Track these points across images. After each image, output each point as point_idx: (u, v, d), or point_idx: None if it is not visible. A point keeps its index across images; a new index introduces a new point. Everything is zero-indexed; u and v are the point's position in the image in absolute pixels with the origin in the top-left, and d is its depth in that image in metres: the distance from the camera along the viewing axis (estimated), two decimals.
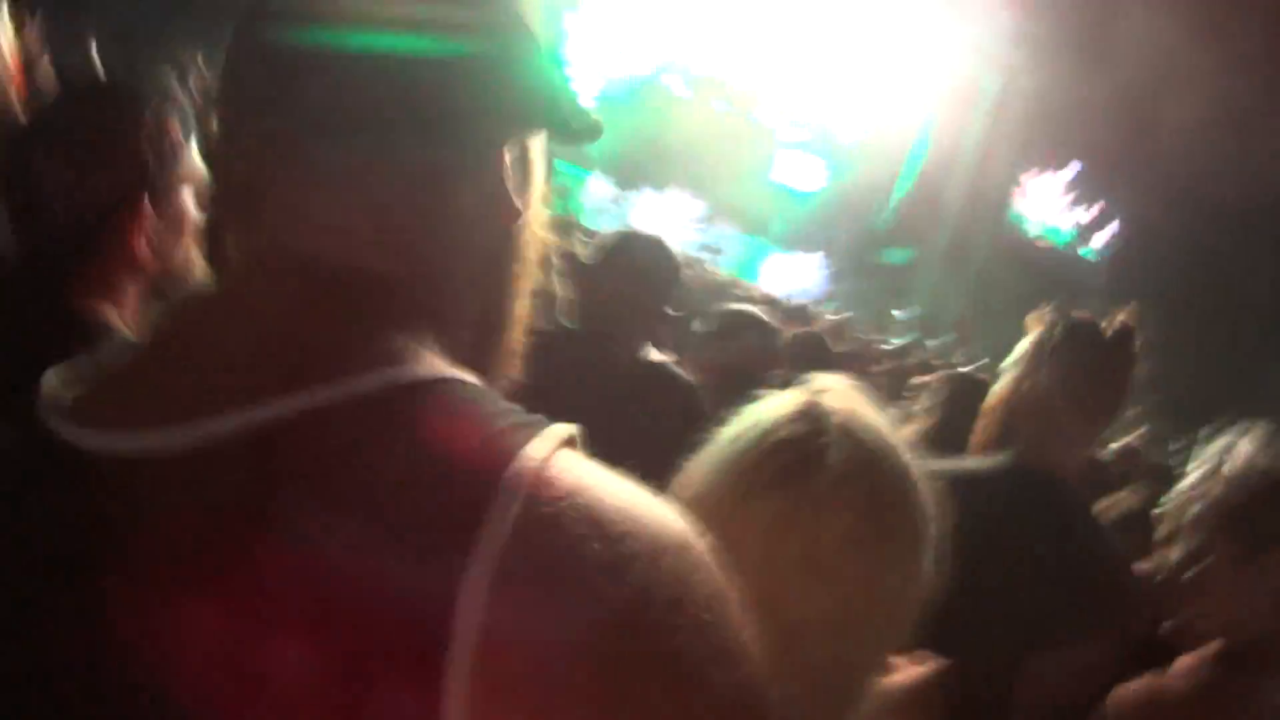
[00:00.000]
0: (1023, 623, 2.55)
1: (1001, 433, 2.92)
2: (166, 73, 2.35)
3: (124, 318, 2.13)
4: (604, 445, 1.09)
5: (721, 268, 28.34)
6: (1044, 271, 28.29)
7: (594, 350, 3.45)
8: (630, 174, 28.82)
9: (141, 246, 2.11)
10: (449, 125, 1.11)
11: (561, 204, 26.28)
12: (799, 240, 30.26)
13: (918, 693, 1.68)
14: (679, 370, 3.96)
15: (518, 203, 1.16)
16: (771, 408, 1.53)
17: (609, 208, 29.14)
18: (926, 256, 29.53)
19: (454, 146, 1.12)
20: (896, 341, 12.03)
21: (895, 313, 23.13)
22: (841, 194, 29.90)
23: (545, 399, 1.11)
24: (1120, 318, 2.88)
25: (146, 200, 2.08)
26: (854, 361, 9.61)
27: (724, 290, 16.58)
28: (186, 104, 2.18)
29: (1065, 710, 2.51)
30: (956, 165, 28.96)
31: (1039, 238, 31.36)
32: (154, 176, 2.08)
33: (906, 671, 1.71)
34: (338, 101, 1.06)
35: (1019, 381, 2.92)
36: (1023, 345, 2.98)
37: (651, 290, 3.82)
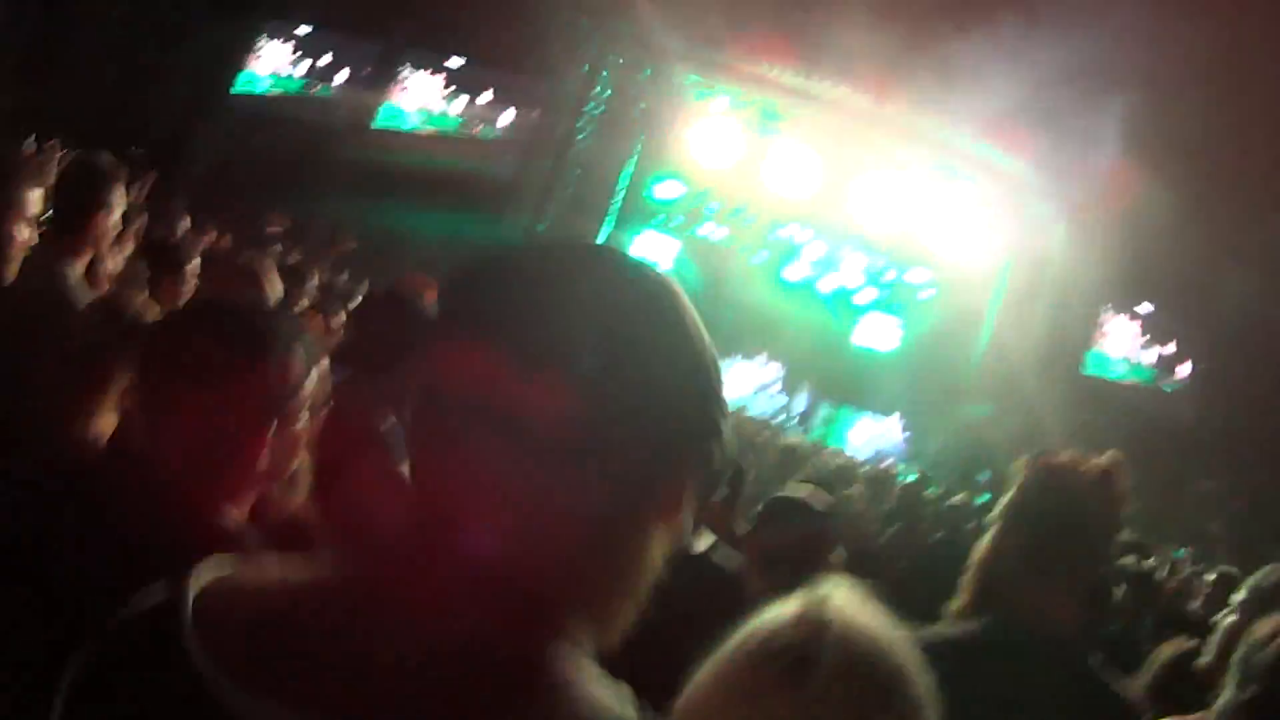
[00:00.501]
0: None
1: (981, 593, 2.78)
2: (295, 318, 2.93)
3: (243, 520, 2.50)
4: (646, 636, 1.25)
5: (806, 434, 28.43)
6: (1130, 410, 28.02)
7: None
8: (717, 342, 28.84)
9: (263, 461, 2.48)
10: (668, 468, 1.22)
11: None
12: (882, 403, 30.32)
13: None
14: (721, 561, 4.07)
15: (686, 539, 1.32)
16: (773, 615, 1.58)
17: None
18: (1011, 408, 29.23)
19: (661, 489, 1.23)
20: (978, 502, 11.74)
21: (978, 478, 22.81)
22: (922, 351, 29.92)
23: None
24: (1100, 463, 2.72)
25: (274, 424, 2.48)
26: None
27: (805, 458, 16.80)
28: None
29: None
30: (1034, 312, 28.77)
31: (1123, 378, 31.08)
32: (281, 406, 2.47)
33: None
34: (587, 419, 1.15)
35: (997, 537, 2.80)
36: (1003, 499, 2.84)
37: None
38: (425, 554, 1.17)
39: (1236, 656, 2.58)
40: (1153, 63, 20.64)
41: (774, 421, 26.94)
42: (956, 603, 2.84)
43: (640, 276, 1.27)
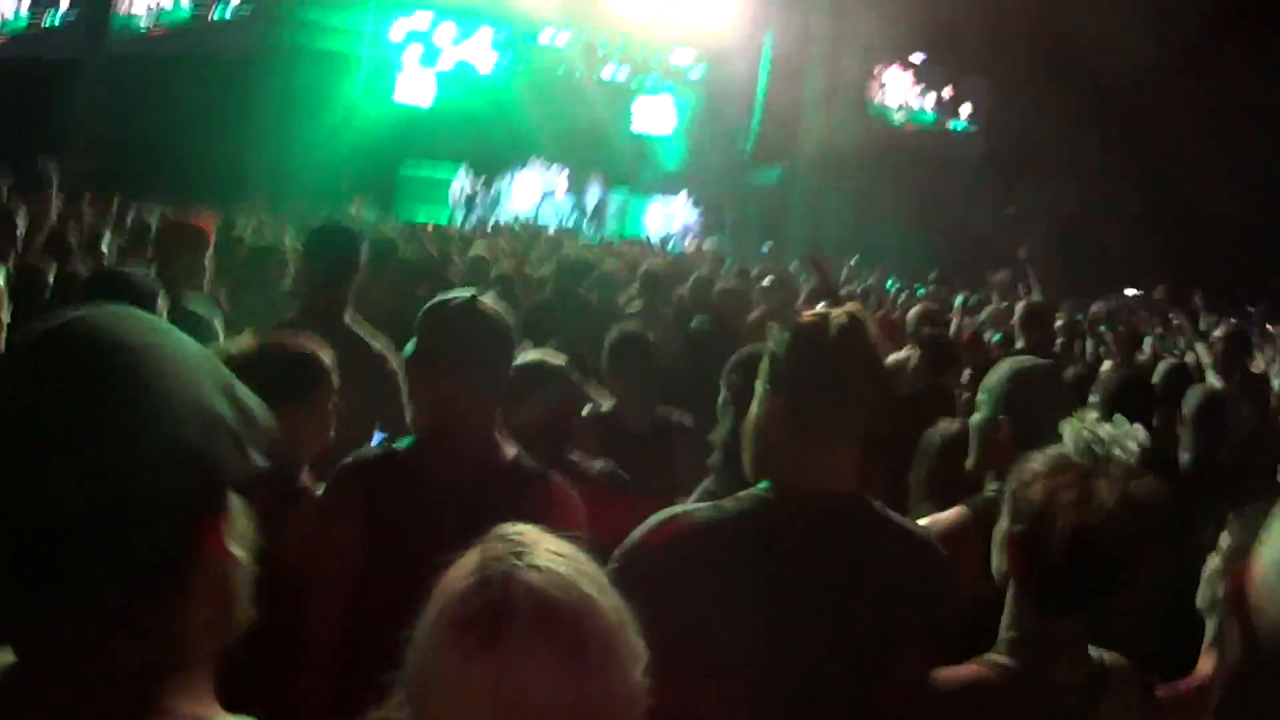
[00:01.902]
0: (818, 667, 2.46)
1: (759, 460, 2.72)
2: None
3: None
4: None
5: (601, 228, 28.51)
6: (917, 152, 28.63)
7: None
8: (491, 161, 28.66)
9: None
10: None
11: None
12: (671, 184, 30.38)
13: None
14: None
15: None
16: (456, 576, 1.55)
17: (480, 199, 29.06)
18: (798, 169, 29.63)
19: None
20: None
21: (763, 248, 23.00)
22: (700, 128, 30.07)
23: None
24: (844, 312, 2.66)
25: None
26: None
27: (602, 256, 16.73)
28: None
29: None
30: (807, 73, 29.08)
31: (905, 124, 31.74)
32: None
33: None
34: None
35: (761, 403, 2.73)
36: (763, 365, 2.77)
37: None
38: None
39: (1007, 490, 2.56)
40: None
41: (564, 226, 26.99)
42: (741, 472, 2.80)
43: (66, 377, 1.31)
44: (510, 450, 3.19)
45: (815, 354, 2.60)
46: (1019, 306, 9.55)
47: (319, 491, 3.35)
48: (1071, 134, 24.23)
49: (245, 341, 3.43)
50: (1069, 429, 2.48)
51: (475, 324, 3.10)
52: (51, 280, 7.05)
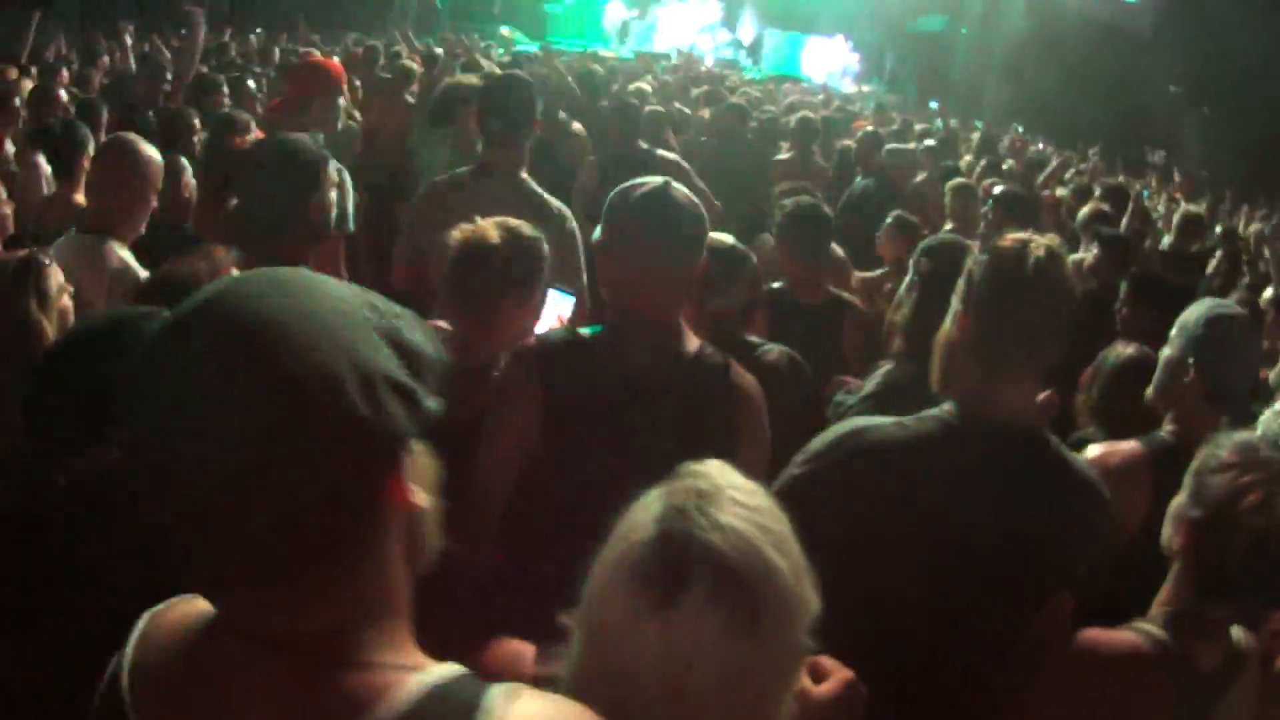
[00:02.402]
0: (968, 583, 2.50)
1: (945, 377, 2.74)
2: None
3: None
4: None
5: (757, 65, 28.10)
6: (1088, 21, 27.54)
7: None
8: None
9: None
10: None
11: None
12: (828, 24, 29.67)
13: (837, 700, 1.82)
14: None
15: None
16: (634, 528, 1.56)
17: (634, 27, 28.82)
18: (962, 21, 28.81)
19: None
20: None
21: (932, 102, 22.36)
22: None
23: None
24: (1044, 244, 2.65)
25: None
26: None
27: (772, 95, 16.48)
28: None
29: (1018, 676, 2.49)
30: None
31: None
32: None
33: (825, 678, 1.84)
34: None
35: (953, 321, 2.75)
36: (960, 280, 2.77)
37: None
38: None
39: (1189, 472, 2.50)
40: None
41: (723, 59, 26.57)
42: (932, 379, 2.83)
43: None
44: (694, 342, 3.07)
45: (1012, 284, 2.61)
46: (1178, 209, 9.29)
47: None
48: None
49: (482, 228, 3.38)
50: (1265, 416, 2.44)
51: (665, 213, 2.98)
52: (197, 124, 6.56)
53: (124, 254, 4.03)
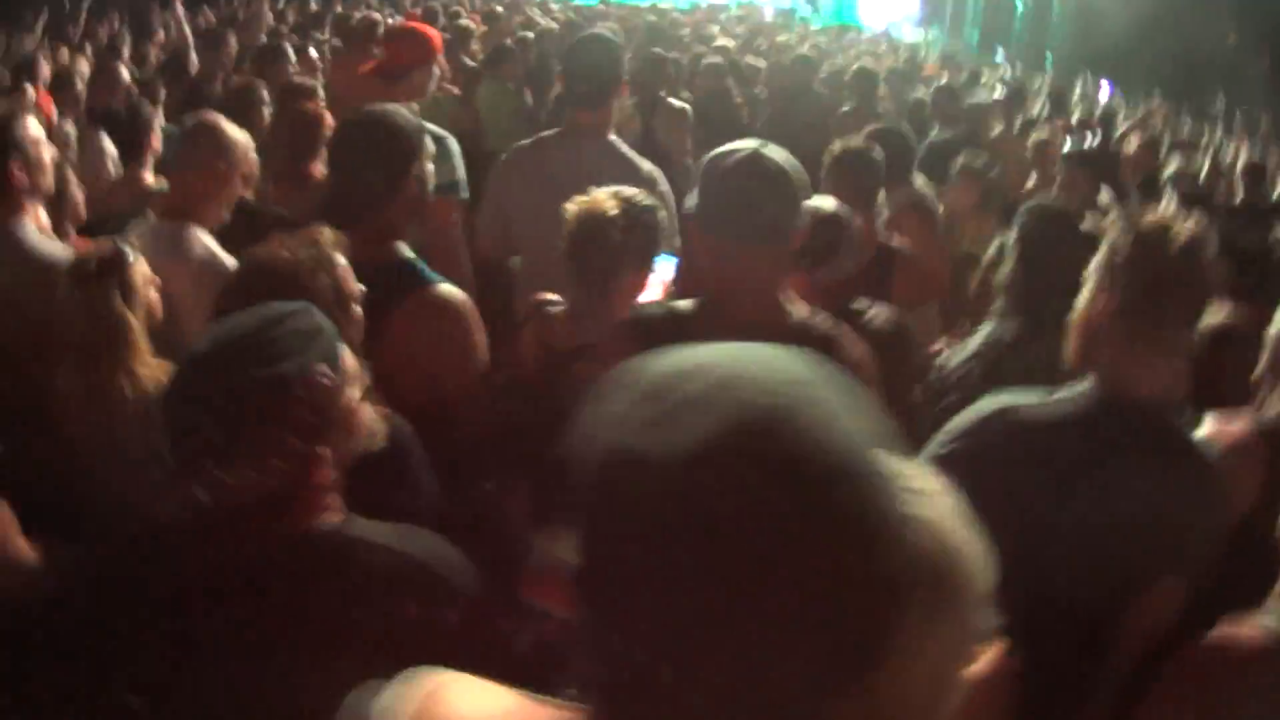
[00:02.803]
0: (1111, 570, 2.45)
1: (1084, 354, 2.71)
2: None
3: None
4: None
5: (816, 12, 27.79)
6: None
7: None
8: None
9: None
10: None
11: None
12: None
13: (989, 682, 1.73)
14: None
15: None
16: None
17: None
18: None
19: None
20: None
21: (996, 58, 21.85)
22: None
23: None
24: (1183, 230, 2.62)
25: None
26: None
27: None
28: None
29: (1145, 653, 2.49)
30: None
31: None
32: None
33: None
34: None
35: (1093, 299, 2.69)
36: (1100, 254, 2.72)
37: None
38: None
39: None
40: None
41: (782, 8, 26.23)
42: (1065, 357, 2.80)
43: None
44: (799, 311, 2.95)
45: (1157, 264, 2.57)
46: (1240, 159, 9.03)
47: None
48: None
49: (598, 200, 3.28)
50: None
51: (759, 180, 2.84)
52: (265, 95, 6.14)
53: (208, 241, 3.84)
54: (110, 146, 6.05)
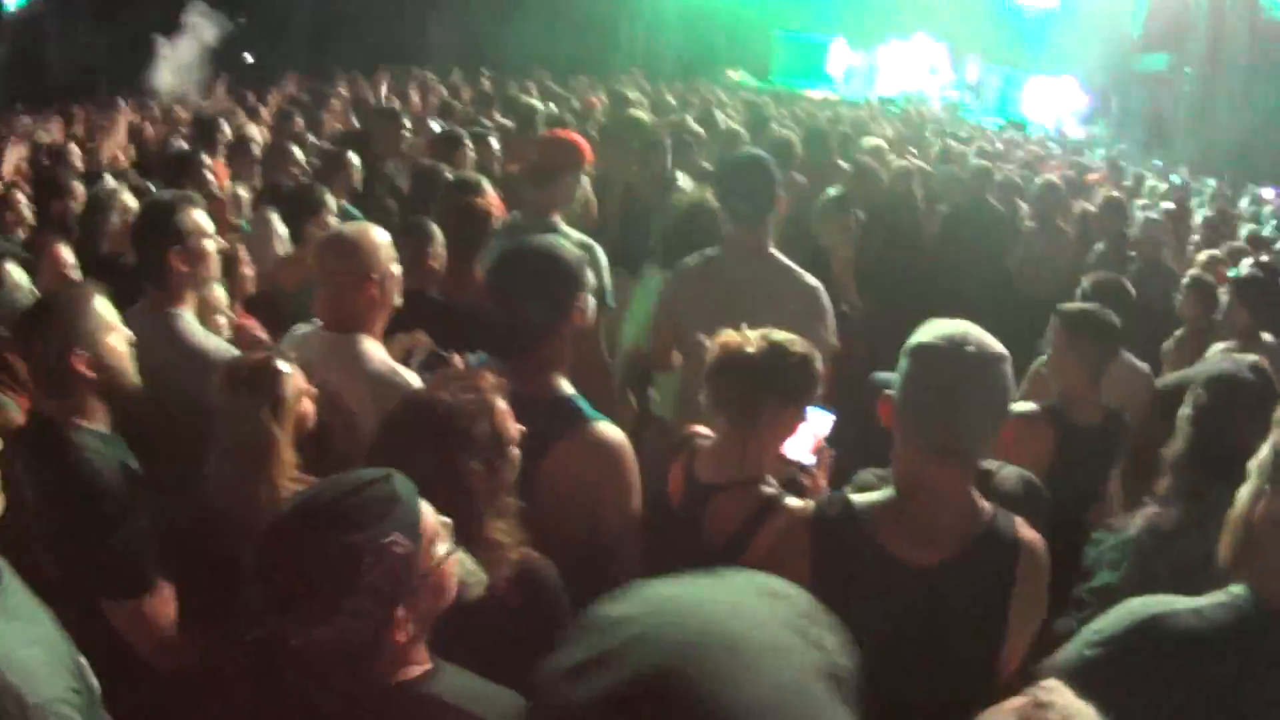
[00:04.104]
0: None
1: (1238, 556, 2.47)
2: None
3: None
4: None
5: (980, 107, 27.61)
6: None
7: None
8: (873, 29, 28.17)
9: None
10: None
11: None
12: (1048, 63, 29.01)
13: None
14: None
15: None
16: None
17: (859, 73, 28.61)
18: (1187, 59, 27.69)
19: None
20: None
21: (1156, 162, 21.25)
22: (1086, 4, 28.41)
23: None
24: None
25: None
26: None
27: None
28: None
29: None
30: None
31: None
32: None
33: None
34: None
35: (1253, 499, 2.46)
36: (1263, 451, 2.50)
37: None
38: None
39: None
40: None
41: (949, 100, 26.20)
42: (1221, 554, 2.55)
43: None
44: (984, 514, 2.68)
45: None
46: None
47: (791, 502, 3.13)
48: None
49: (748, 335, 3.23)
50: None
51: (964, 370, 2.54)
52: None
53: (383, 354, 3.82)
54: (280, 226, 6.15)
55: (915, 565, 2.60)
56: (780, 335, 3.26)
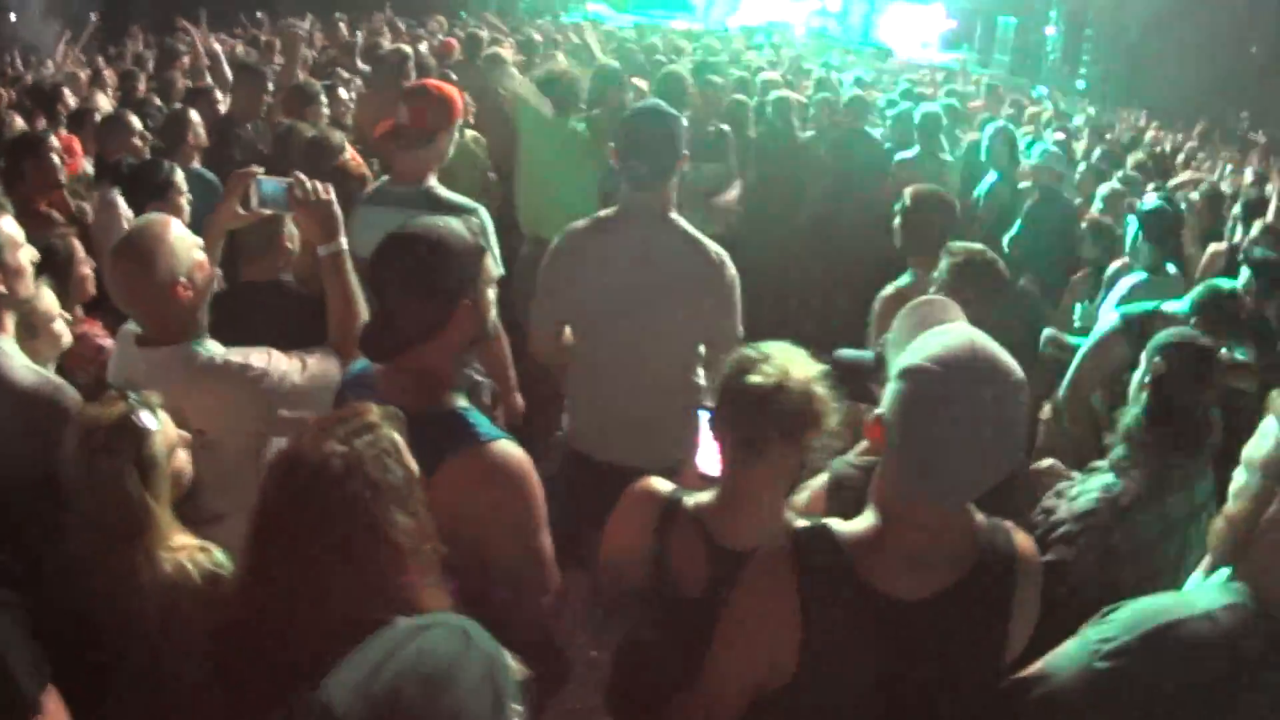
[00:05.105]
0: None
1: (1236, 552, 2.43)
2: None
3: None
4: None
5: (845, 34, 27.57)
6: None
7: None
8: None
9: None
10: None
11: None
12: None
13: None
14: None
15: None
16: None
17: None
18: None
19: None
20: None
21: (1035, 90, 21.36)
22: None
23: None
24: None
25: None
26: None
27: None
28: None
29: None
30: None
31: None
32: None
33: None
34: None
35: (1267, 496, 2.38)
36: (1267, 447, 2.43)
37: None
38: None
39: None
40: None
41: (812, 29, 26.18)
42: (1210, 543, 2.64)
43: None
44: (981, 525, 2.45)
45: None
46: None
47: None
48: None
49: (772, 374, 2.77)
50: None
51: (968, 410, 2.20)
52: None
53: (214, 349, 3.45)
54: (126, 209, 5.46)
55: (909, 600, 2.37)
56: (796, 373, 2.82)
